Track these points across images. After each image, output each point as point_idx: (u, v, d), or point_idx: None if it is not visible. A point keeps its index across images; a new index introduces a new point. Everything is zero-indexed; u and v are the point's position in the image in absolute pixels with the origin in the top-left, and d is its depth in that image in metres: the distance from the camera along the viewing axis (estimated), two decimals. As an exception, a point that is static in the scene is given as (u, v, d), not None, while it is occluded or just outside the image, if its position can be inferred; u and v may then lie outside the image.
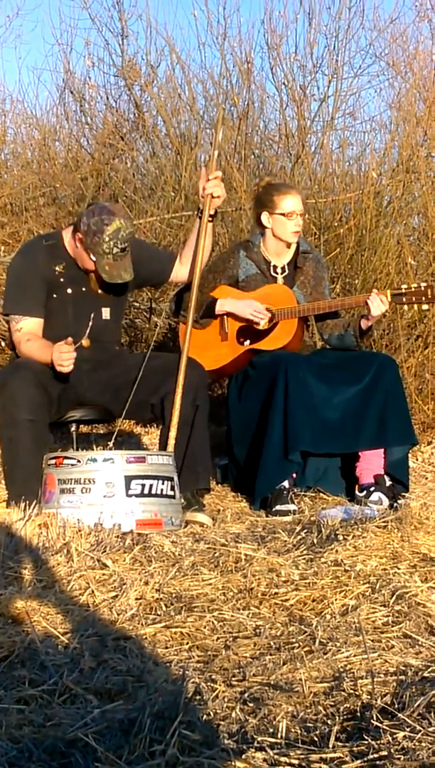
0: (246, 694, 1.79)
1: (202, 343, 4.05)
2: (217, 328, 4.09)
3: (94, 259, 3.49)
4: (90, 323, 3.58)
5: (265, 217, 4.04)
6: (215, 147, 3.90)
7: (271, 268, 4.09)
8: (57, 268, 3.59)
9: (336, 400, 3.84)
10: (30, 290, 3.57)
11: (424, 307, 3.98)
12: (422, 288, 3.89)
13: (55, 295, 3.59)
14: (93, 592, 2.40)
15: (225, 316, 4.06)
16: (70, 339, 3.42)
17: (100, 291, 3.64)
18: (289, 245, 4.07)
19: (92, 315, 3.59)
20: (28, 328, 3.55)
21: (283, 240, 4.04)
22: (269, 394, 3.80)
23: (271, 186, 4.11)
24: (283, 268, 4.10)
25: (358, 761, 1.48)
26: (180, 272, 3.83)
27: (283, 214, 3.99)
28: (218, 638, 2.16)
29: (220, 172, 3.73)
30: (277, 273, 4.10)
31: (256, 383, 3.92)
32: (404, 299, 3.92)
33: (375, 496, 3.77)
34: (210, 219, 3.72)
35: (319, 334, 4.20)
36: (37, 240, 3.84)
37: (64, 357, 3.39)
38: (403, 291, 3.92)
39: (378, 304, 3.84)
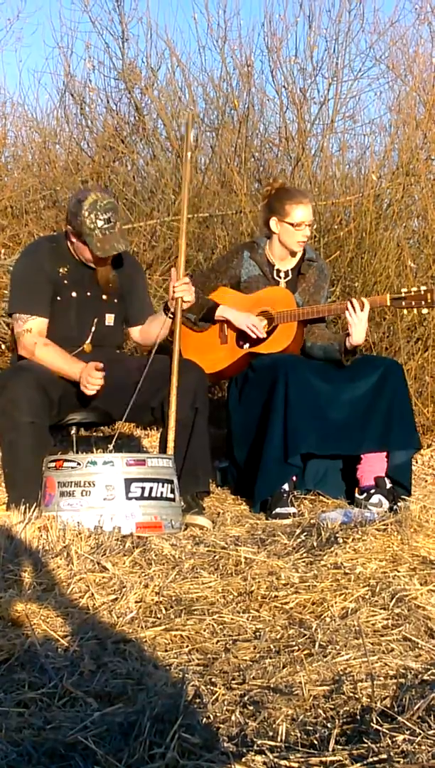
0: (246, 697, 1.79)
1: (201, 346, 4.06)
2: (216, 331, 4.10)
3: (86, 242, 3.49)
4: (92, 329, 3.58)
5: (273, 223, 4.02)
6: (187, 149, 3.76)
7: (275, 271, 4.09)
8: (61, 270, 3.59)
9: (342, 399, 3.83)
10: (37, 290, 3.56)
11: (424, 311, 3.97)
12: (422, 292, 3.87)
13: (58, 298, 3.59)
14: (93, 595, 2.40)
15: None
16: (100, 364, 3.48)
17: (105, 296, 3.64)
18: (293, 253, 4.07)
19: (95, 320, 3.60)
20: (37, 329, 3.55)
21: (288, 248, 4.04)
22: (269, 396, 3.79)
23: (284, 192, 4.05)
24: (286, 273, 4.10)
25: (358, 764, 1.48)
26: (135, 333, 3.82)
27: (291, 224, 3.97)
28: (218, 641, 2.16)
29: (187, 278, 3.62)
30: (280, 277, 4.10)
31: (256, 386, 3.92)
32: (404, 303, 3.90)
33: (375, 498, 3.77)
34: (182, 320, 3.69)
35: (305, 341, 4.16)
36: (41, 241, 3.85)
37: (92, 381, 3.46)
38: (403, 295, 3.90)
39: (354, 312, 3.75)
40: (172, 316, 3.63)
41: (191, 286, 3.62)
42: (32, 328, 3.53)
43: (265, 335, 3.96)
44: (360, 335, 3.78)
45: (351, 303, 3.80)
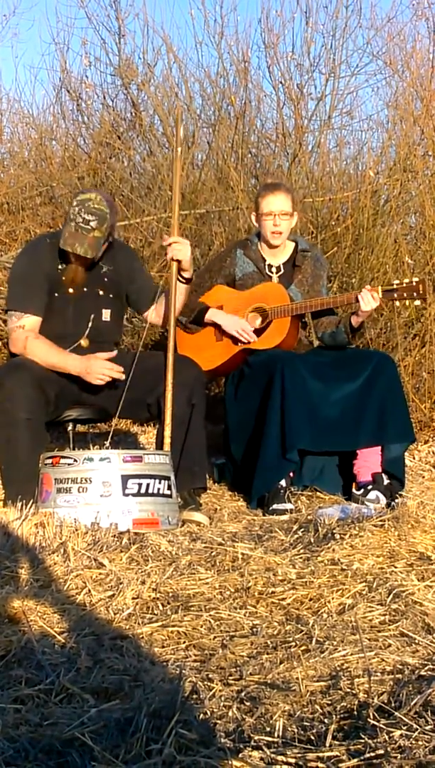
0: (243, 693, 1.79)
1: (197, 343, 4.06)
2: (211, 328, 4.10)
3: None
4: (90, 324, 3.58)
5: (253, 218, 4.13)
6: (177, 144, 3.84)
7: (267, 266, 4.11)
8: (60, 267, 3.59)
9: (334, 398, 3.83)
10: (34, 288, 3.56)
11: (416, 303, 3.94)
12: (413, 284, 3.84)
13: (56, 294, 3.59)
14: (90, 591, 2.40)
15: None
16: (107, 354, 3.52)
17: (101, 292, 3.64)
18: (271, 246, 4.08)
19: (92, 316, 3.60)
20: (30, 326, 3.54)
21: (264, 240, 4.07)
22: (266, 392, 3.79)
23: (261, 187, 4.17)
24: (278, 268, 4.11)
25: (355, 760, 1.48)
26: (152, 316, 3.81)
27: (262, 215, 4.02)
28: (215, 637, 2.16)
29: (178, 237, 3.62)
30: (271, 272, 4.11)
31: (252, 382, 3.92)
32: (395, 295, 3.87)
33: (372, 494, 3.77)
34: (182, 281, 3.68)
35: (315, 333, 4.21)
36: (41, 238, 3.84)
37: (101, 371, 3.48)
38: (394, 287, 3.87)
39: (368, 300, 3.82)
40: (181, 279, 3.66)
41: (186, 245, 3.63)
42: (25, 325, 3.54)
43: (254, 339, 3.97)
44: (366, 316, 3.92)
45: (362, 297, 3.81)
